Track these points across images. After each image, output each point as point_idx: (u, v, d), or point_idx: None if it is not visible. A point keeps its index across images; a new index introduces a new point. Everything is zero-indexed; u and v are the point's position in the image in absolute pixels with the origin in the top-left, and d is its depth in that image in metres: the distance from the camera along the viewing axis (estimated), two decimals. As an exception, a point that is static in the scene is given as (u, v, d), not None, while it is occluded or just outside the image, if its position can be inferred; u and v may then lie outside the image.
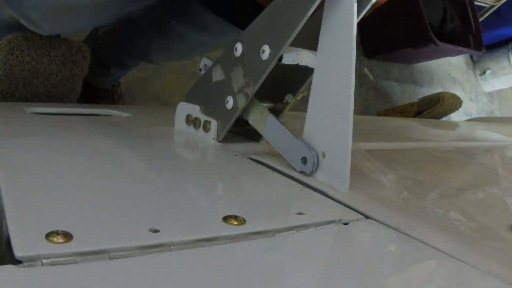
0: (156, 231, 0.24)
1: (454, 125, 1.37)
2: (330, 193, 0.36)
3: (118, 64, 1.10)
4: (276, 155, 0.45)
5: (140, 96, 1.33)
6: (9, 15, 0.69)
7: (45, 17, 0.65)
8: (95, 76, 1.14)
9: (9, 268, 0.19)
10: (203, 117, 0.48)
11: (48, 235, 0.22)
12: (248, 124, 0.49)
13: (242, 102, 0.44)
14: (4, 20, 0.75)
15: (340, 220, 0.31)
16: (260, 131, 0.44)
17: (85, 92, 1.15)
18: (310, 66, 0.44)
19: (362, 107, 2.00)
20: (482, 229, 0.36)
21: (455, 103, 1.68)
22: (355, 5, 0.35)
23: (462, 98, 1.71)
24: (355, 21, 0.36)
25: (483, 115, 2.50)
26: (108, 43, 1.05)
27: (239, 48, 0.44)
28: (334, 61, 0.37)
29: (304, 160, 0.39)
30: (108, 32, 1.05)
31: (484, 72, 2.49)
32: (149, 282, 0.20)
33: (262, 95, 0.45)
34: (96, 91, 1.18)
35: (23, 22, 0.67)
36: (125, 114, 0.61)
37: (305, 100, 0.42)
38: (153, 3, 0.68)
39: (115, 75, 1.17)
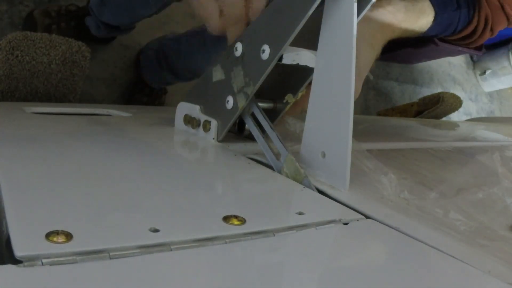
0: (156, 231, 0.24)
1: (454, 125, 1.37)
2: (330, 192, 0.36)
3: (171, 70, 1.15)
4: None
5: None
6: None
7: None
8: (148, 72, 1.22)
9: (9, 268, 0.19)
10: (203, 117, 0.48)
11: (48, 235, 0.22)
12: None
13: (242, 102, 0.44)
14: None
15: (340, 220, 0.31)
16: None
17: (136, 84, 1.26)
18: (310, 66, 0.44)
19: (362, 107, 2.00)
20: (482, 229, 0.36)
21: (455, 103, 1.67)
22: (355, 5, 0.35)
23: (462, 98, 1.71)
24: (355, 21, 0.36)
25: (483, 115, 2.50)
26: (172, 47, 1.13)
27: (239, 48, 0.44)
28: (334, 61, 0.37)
29: None
30: (176, 38, 1.13)
31: (484, 72, 2.49)
32: (149, 282, 0.20)
33: (262, 95, 0.45)
34: (143, 86, 1.26)
35: None
36: (125, 114, 0.61)
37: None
38: None
39: (165, 79, 1.22)
